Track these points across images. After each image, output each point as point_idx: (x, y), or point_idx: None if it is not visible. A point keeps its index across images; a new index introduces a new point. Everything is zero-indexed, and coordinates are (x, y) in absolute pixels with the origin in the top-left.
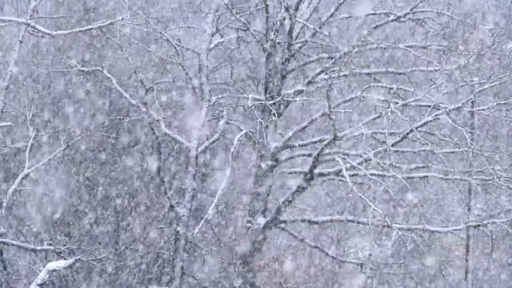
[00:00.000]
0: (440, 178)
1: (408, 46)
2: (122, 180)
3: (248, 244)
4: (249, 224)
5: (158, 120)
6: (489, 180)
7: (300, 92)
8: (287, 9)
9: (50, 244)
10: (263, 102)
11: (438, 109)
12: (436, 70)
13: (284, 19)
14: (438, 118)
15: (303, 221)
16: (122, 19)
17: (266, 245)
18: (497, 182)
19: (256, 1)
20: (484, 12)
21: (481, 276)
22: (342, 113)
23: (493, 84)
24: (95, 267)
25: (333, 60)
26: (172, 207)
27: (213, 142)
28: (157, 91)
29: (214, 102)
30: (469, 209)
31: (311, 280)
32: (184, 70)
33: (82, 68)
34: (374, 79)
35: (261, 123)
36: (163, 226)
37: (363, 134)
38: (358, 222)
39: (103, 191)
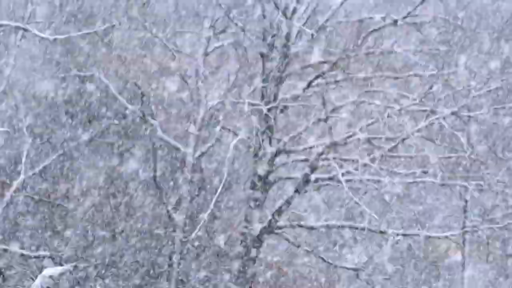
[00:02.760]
0: (436, 183)
1: (405, 51)
2: (119, 185)
3: (244, 249)
4: (245, 230)
5: (154, 125)
6: (485, 185)
7: (296, 96)
8: (284, 14)
9: (46, 250)
10: (259, 107)
11: (435, 114)
12: (432, 75)
13: (281, 23)
14: (434, 123)
15: (299, 226)
16: (119, 24)
17: (262, 250)
18: (493, 187)
19: (253, 5)
20: (482, 16)
21: (477, 281)
22: (339, 118)
23: (489, 88)
24: (91, 273)
25: (330, 64)
26: (168, 212)
27: (210, 147)
28: (153, 96)
29: (211, 107)
30: (465, 214)
31: (307, 286)
32: (180, 74)
33: (78, 73)
34: (371, 84)
35: (258, 128)
36: (160, 231)
37: (359, 139)
38: (354, 227)
39: (99, 196)
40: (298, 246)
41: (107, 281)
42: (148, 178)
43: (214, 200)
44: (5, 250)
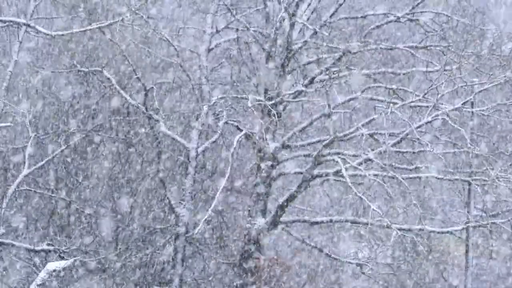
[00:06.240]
0: (440, 179)
1: (407, 47)
2: (123, 180)
3: (247, 244)
4: (248, 225)
5: (158, 121)
6: (489, 180)
7: (299, 92)
8: (286, 10)
9: (49, 245)
10: (262, 102)
11: (438, 110)
12: (435, 71)
13: (283, 19)
14: (438, 119)
15: (302, 221)
16: (122, 20)
17: (265, 245)
18: (497, 183)
19: (256, 1)
20: (484, 13)
21: (480, 277)
22: (342, 114)
23: (492, 84)
24: (95, 268)
25: (333, 60)
26: (172, 207)
27: (213, 142)
28: (156, 91)
29: (214, 102)
30: (468, 210)
31: (311, 281)
32: (184, 70)
33: (82, 69)
34: (374, 80)
35: (261, 123)
36: (163, 226)
37: (362, 134)
38: (358, 223)
39: (103, 191)
40: (302, 241)
41: (110, 275)
42: (152, 173)
43: (217, 195)
44: (10, 244)
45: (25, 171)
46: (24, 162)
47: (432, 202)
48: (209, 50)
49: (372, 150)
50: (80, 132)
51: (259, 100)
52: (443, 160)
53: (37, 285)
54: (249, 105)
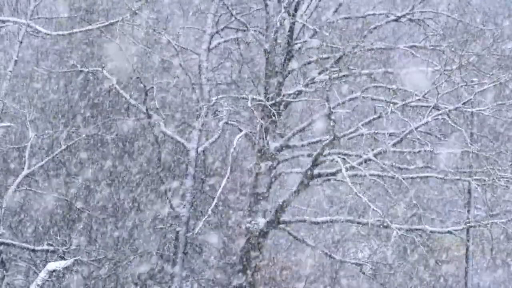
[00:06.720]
0: (440, 179)
1: (407, 47)
2: (122, 180)
3: (247, 244)
4: (248, 225)
5: (157, 121)
6: (489, 180)
7: (299, 92)
8: (286, 10)
9: (49, 245)
10: (263, 102)
11: (438, 110)
12: (436, 70)
13: (283, 19)
14: (438, 119)
15: (302, 221)
16: (122, 20)
17: (265, 245)
18: (497, 183)
19: (256, 1)
20: (484, 12)
21: (481, 277)
22: (342, 114)
23: (492, 84)
24: (94, 268)
25: (333, 60)
26: (172, 207)
27: (213, 142)
28: (157, 91)
29: (214, 102)
30: (468, 210)
31: (310, 281)
32: (184, 70)
33: (82, 69)
34: (374, 80)
35: (261, 123)
36: (163, 226)
37: (362, 134)
38: (358, 223)
39: (103, 191)
40: (302, 241)
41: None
42: (152, 173)
43: (217, 195)
44: (10, 244)
45: (25, 171)
46: (24, 162)
47: (433, 202)
48: (209, 50)
49: (372, 150)
50: (80, 132)
51: (259, 100)
52: (443, 160)
53: (37, 285)
54: (249, 105)
